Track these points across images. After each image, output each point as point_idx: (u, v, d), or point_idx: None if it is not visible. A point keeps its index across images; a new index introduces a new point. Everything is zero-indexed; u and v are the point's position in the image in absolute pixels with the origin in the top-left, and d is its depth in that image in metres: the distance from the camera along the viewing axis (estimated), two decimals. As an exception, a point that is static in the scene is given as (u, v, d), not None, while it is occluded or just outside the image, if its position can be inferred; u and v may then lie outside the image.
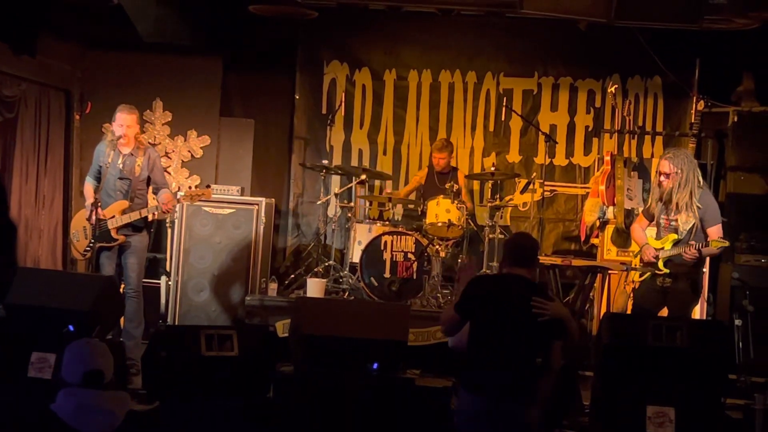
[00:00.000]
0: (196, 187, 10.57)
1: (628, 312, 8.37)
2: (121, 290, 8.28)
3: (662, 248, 7.54)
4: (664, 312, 7.74)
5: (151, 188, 8.58)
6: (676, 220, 7.49)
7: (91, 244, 8.20)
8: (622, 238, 9.50)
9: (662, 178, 7.45)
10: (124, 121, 8.32)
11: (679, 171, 7.38)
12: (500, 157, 10.90)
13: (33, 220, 9.92)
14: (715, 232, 7.42)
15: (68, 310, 6.84)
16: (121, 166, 8.32)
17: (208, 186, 9.60)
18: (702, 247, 7.35)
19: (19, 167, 9.66)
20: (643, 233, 7.82)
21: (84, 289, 7.07)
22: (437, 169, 10.21)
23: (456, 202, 9.40)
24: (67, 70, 10.36)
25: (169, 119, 10.75)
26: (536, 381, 5.33)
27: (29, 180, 9.84)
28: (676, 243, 7.47)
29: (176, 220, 9.70)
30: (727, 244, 7.43)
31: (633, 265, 7.94)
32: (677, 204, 7.41)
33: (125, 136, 8.29)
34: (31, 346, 6.71)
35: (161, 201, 8.36)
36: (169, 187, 8.95)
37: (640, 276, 7.77)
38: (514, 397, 5.24)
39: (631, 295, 8.18)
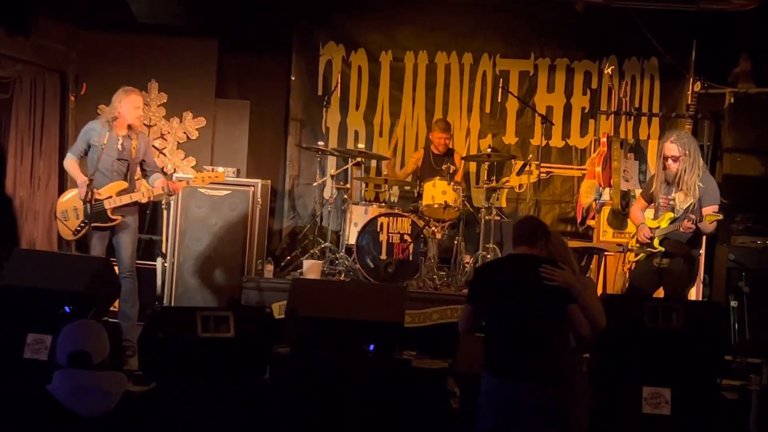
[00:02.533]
0: (193, 167, 10.57)
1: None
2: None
3: (658, 227, 7.55)
4: (660, 293, 7.75)
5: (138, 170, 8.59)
6: (674, 199, 7.49)
7: (83, 224, 8.19)
8: (619, 219, 9.49)
9: (670, 161, 7.43)
10: (139, 103, 8.38)
11: (687, 152, 7.39)
12: (496, 138, 10.90)
13: (28, 201, 9.91)
14: (711, 211, 7.42)
15: (64, 292, 6.83)
16: (120, 147, 8.31)
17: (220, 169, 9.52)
18: (698, 221, 7.33)
19: (14, 148, 9.65)
20: (641, 214, 7.83)
21: (79, 271, 7.08)
22: (437, 150, 10.20)
23: (452, 183, 9.39)
24: (62, 51, 10.32)
25: (165, 100, 10.72)
26: (557, 359, 5.26)
27: (24, 161, 9.82)
28: (672, 221, 7.47)
29: (172, 202, 9.67)
30: (720, 217, 7.41)
31: (630, 247, 7.95)
32: (683, 185, 7.40)
33: (139, 117, 8.38)
34: (27, 327, 6.70)
35: (171, 186, 8.41)
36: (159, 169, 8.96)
37: (635, 256, 7.77)
38: (534, 377, 5.19)
39: (627, 276, 8.19)
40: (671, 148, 7.43)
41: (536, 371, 5.20)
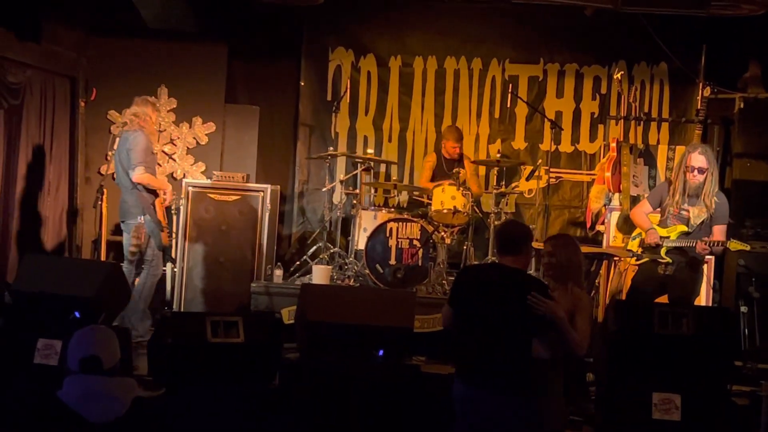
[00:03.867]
0: (202, 173, 10.59)
1: (623, 294, 8.40)
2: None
3: (668, 237, 7.52)
4: (662, 300, 7.73)
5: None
6: (688, 212, 7.47)
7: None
8: (628, 224, 9.45)
9: (696, 173, 7.41)
10: None
11: (711, 166, 7.39)
12: (506, 143, 10.89)
13: (38, 206, 9.92)
14: (720, 231, 7.45)
15: (74, 297, 6.84)
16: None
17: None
18: (713, 246, 7.35)
19: (25, 153, 9.66)
20: (647, 218, 7.80)
21: (89, 276, 7.08)
22: (448, 155, 10.20)
23: (461, 189, 9.39)
24: (72, 57, 10.34)
25: (174, 106, 10.74)
26: (528, 369, 5.25)
27: (35, 167, 9.83)
28: (684, 235, 7.46)
29: (181, 207, 9.70)
30: (747, 248, 7.43)
31: (628, 248, 7.93)
32: (704, 198, 7.40)
33: None
34: (37, 333, 6.71)
35: None
36: None
37: (637, 260, 7.76)
38: (504, 387, 5.19)
39: (624, 276, 8.19)
40: (700, 160, 7.40)
41: (506, 381, 5.19)
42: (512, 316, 5.24)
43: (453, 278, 9.11)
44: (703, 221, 7.43)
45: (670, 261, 7.50)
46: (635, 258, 7.79)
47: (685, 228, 7.47)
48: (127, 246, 8.75)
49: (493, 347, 5.23)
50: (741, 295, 9.09)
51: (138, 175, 8.58)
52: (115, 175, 9.00)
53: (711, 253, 7.61)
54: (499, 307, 5.27)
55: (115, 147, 9.38)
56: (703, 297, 8.89)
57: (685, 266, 7.51)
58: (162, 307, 9.41)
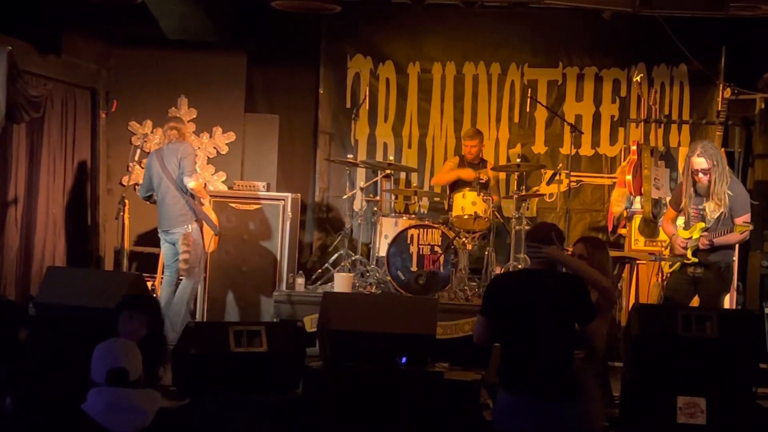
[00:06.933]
0: (223, 182, 10.62)
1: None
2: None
3: (690, 237, 7.50)
4: (696, 302, 7.70)
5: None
6: (704, 209, 7.45)
7: None
8: (650, 228, 9.44)
9: (700, 175, 7.39)
10: None
11: (716, 163, 7.36)
12: (526, 148, 10.87)
13: (61, 218, 9.97)
14: (743, 221, 7.39)
15: (97, 308, 6.87)
16: None
17: None
18: (715, 237, 7.31)
19: (47, 166, 9.72)
20: (673, 224, 7.78)
21: (113, 287, 7.10)
22: (468, 158, 10.20)
23: (482, 194, 9.38)
24: (92, 69, 10.40)
25: (195, 116, 10.76)
26: (570, 373, 5.25)
27: (57, 179, 9.89)
28: (704, 231, 7.43)
29: (203, 217, 9.73)
30: (751, 227, 7.35)
31: (664, 255, 7.90)
32: (714, 195, 7.37)
33: None
34: (61, 344, 6.74)
35: None
36: None
37: (670, 267, 7.73)
38: (548, 393, 5.15)
39: (663, 286, 8.14)
40: (700, 162, 7.39)
41: (551, 389, 5.15)
42: (551, 318, 5.20)
43: (474, 284, 9.23)
44: (720, 216, 7.39)
45: (697, 261, 7.47)
46: (668, 265, 7.75)
47: (703, 224, 7.45)
48: (172, 256, 8.87)
49: (535, 353, 5.20)
50: (765, 296, 9.03)
51: (194, 182, 8.85)
52: (158, 186, 9.01)
53: (721, 243, 7.50)
54: (537, 311, 5.21)
55: (136, 158, 9.44)
56: (728, 299, 8.85)
57: (713, 266, 7.47)
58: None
